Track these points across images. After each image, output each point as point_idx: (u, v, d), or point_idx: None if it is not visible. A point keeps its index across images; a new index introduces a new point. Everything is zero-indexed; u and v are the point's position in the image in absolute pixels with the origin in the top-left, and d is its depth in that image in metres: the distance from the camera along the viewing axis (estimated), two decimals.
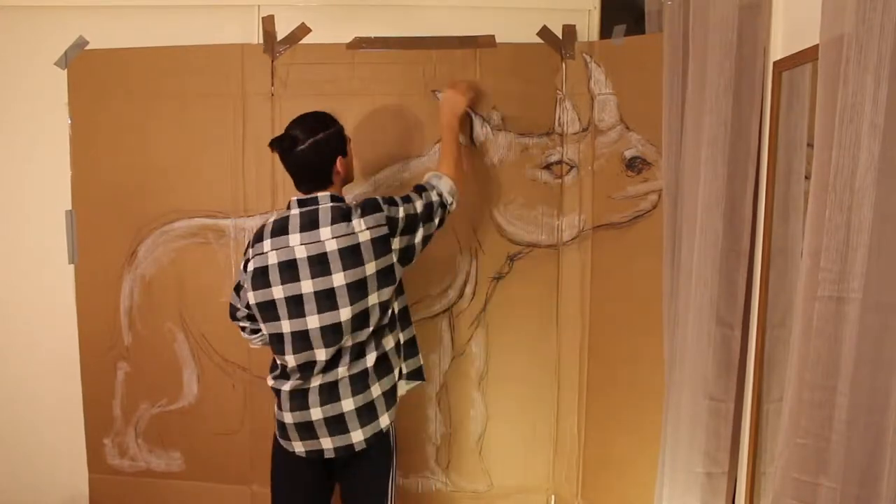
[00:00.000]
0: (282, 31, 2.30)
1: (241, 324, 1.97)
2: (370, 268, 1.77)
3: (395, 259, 1.83)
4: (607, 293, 2.30)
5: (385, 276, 1.81)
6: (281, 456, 1.95)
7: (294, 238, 1.78)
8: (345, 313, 1.76)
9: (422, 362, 2.02)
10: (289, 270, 1.77)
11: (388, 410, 1.88)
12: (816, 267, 1.22)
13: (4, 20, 2.34)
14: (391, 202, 1.85)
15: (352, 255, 1.75)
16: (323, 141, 1.84)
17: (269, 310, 1.81)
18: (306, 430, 1.84)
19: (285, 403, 1.86)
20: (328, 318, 1.76)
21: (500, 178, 2.30)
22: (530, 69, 2.27)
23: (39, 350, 2.47)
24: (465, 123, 2.27)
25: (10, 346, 2.48)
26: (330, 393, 1.82)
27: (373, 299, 1.79)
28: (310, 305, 1.76)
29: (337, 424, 1.82)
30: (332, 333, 1.78)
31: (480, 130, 2.28)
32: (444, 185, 1.96)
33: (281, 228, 1.80)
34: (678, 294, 1.94)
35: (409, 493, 2.42)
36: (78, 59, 2.33)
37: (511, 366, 2.38)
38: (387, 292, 1.82)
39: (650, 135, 2.16)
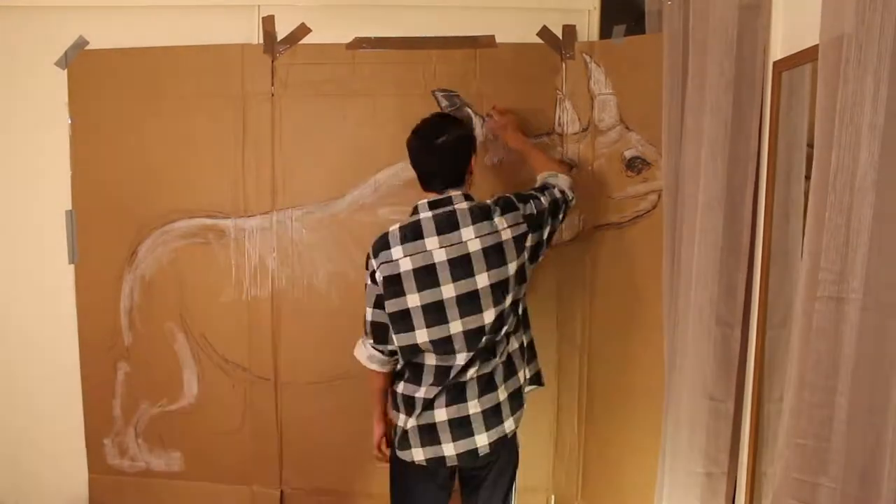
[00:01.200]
0: (282, 31, 2.30)
1: (386, 346, 1.81)
2: (512, 267, 1.74)
3: (526, 257, 1.80)
4: (607, 293, 2.30)
5: (521, 275, 1.79)
6: (400, 469, 1.89)
7: (431, 242, 1.72)
8: (488, 315, 1.72)
9: (540, 366, 1.98)
10: (426, 276, 1.71)
11: (513, 415, 1.83)
12: (816, 267, 1.22)
13: (4, 20, 2.34)
14: (523, 199, 1.82)
15: (496, 255, 1.72)
16: (465, 137, 1.85)
17: (403, 319, 1.74)
18: (430, 432, 1.77)
19: (417, 409, 1.78)
20: (472, 321, 1.72)
21: (501, 179, 2.30)
22: (530, 69, 2.27)
23: (39, 350, 2.47)
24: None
25: (10, 345, 2.48)
26: (457, 395, 1.76)
27: (510, 299, 1.76)
28: (452, 311, 1.71)
29: (461, 427, 1.76)
30: (474, 337, 1.73)
31: (480, 131, 2.27)
32: (563, 182, 1.96)
33: (414, 233, 1.74)
34: (678, 294, 1.94)
35: None
36: (78, 59, 2.33)
37: None
38: (521, 291, 1.81)
39: (650, 135, 2.16)
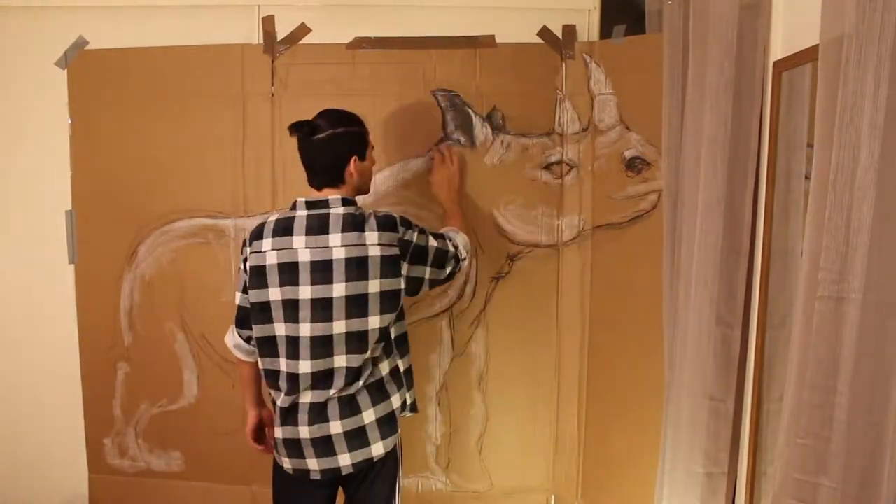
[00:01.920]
0: (282, 31, 2.30)
1: (247, 332, 1.85)
2: (374, 285, 1.70)
3: (402, 286, 1.76)
4: (607, 293, 2.30)
5: (389, 299, 1.74)
6: (278, 471, 1.89)
7: (299, 240, 1.71)
8: (338, 326, 1.69)
9: (415, 396, 1.95)
10: (289, 273, 1.70)
11: (383, 439, 1.80)
12: (816, 267, 1.22)
13: (4, 20, 2.34)
14: (407, 225, 1.79)
15: (358, 268, 1.69)
16: (341, 135, 1.79)
17: (263, 311, 1.75)
18: (295, 447, 1.78)
19: (277, 418, 1.81)
20: (320, 328, 1.70)
21: (500, 178, 2.30)
22: (530, 69, 2.27)
23: (39, 350, 2.47)
24: (466, 123, 2.27)
25: (10, 345, 2.48)
26: (319, 413, 1.75)
27: (374, 322, 1.72)
28: (304, 312, 1.70)
29: (324, 446, 1.76)
30: (320, 346, 1.71)
31: (480, 130, 2.28)
32: (460, 239, 1.93)
33: (284, 229, 1.73)
34: (678, 294, 1.94)
35: (409, 493, 2.42)
36: (78, 59, 2.33)
37: (511, 366, 2.38)
38: (388, 318, 1.76)
39: (650, 135, 2.16)
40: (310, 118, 1.83)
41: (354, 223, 1.72)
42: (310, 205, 1.75)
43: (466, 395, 2.40)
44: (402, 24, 2.29)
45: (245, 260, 1.79)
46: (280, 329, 1.74)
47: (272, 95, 2.30)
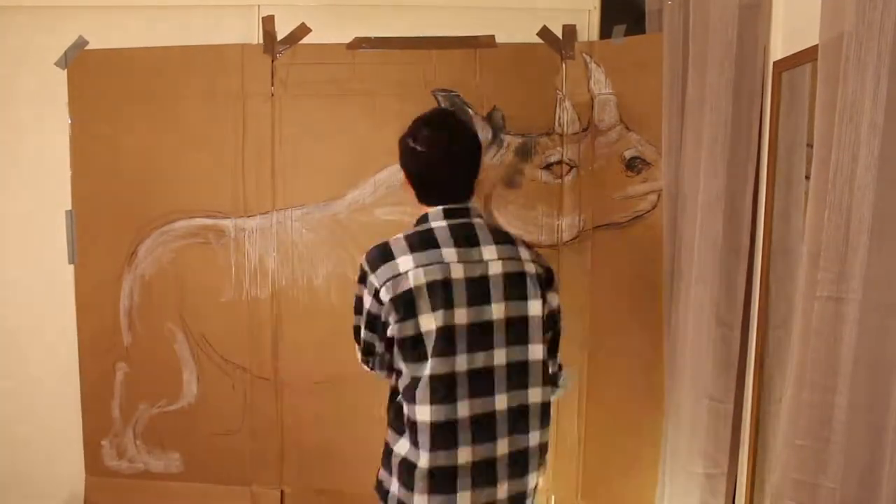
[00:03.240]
0: (282, 31, 2.30)
1: (381, 372, 1.55)
2: (534, 307, 1.43)
3: (546, 312, 1.48)
4: (607, 293, 2.30)
5: (548, 324, 1.48)
6: None
7: (448, 253, 1.40)
8: (499, 356, 1.40)
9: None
10: (443, 292, 1.39)
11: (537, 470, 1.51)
12: (816, 267, 1.22)
13: (4, 20, 2.34)
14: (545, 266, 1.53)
15: (517, 285, 1.43)
16: (477, 137, 1.54)
17: (415, 346, 1.39)
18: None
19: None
20: (479, 359, 1.40)
21: (500, 178, 2.30)
22: (530, 69, 2.27)
23: (38, 350, 2.47)
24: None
25: (10, 345, 2.48)
26: (488, 473, 1.43)
27: (535, 351, 1.43)
28: (461, 341, 1.39)
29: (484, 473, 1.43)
30: (482, 381, 1.40)
31: (480, 131, 2.27)
32: (565, 385, 1.63)
33: (424, 242, 1.43)
34: (678, 294, 1.94)
35: None
36: (78, 59, 2.33)
37: None
38: (544, 350, 1.46)
39: (650, 135, 2.16)
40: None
41: (504, 236, 1.49)
42: (449, 214, 1.46)
43: None
44: (402, 24, 2.29)
45: (377, 291, 1.43)
46: (442, 366, 1.40)
47: (272, 95, 2.30)
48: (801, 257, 1.30)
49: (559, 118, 2.28)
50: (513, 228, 2.32)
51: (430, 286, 1.38)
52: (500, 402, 1.42)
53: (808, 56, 1.47)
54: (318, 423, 2.40)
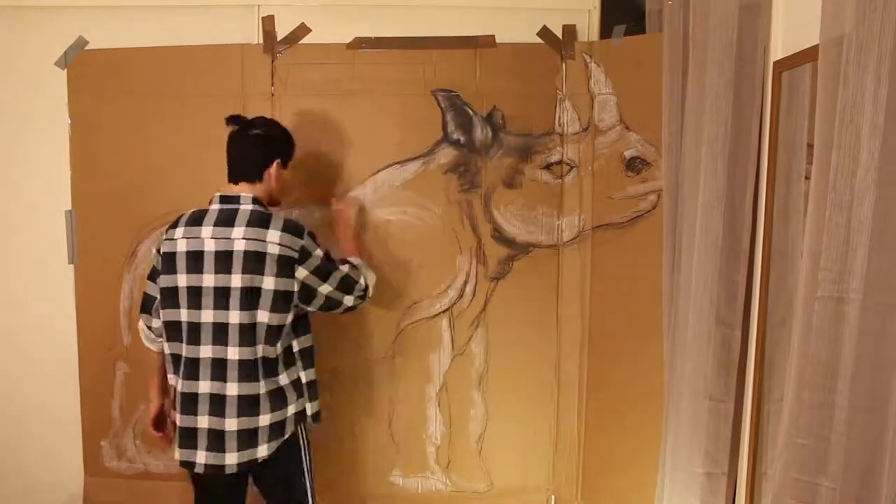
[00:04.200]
0: (282, 31, 2.30)
1: (152, 321, 1.92)
2: (268, 282, 1.75)
3: (295, 288, 1.80)
4: (607, 293, 2.30)
5: (282, 298, 1.78)
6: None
7: (206, 230, 1.79)
8: (233, 316, 1.75)
9: (319, 408, 1.97)
10: (195, 261, 1.78)
11: (269, 442, 1.82)
12: (816, 267, 1.22)
13: (4, 20, 2.34)
14: (313, 239, 1.86)
15: (255, 262, 1.75)
16: (271, 137, 1.91)
17: (171, 297, 1.81)
18: (188, 437, 1.81)
19: (177, 404, 1.84)
20: (220, 315, 1.76)
21: (500, 178, 2.30)
22: (530, 69, 2.27)
23: (38, 350, 2.46)
24: (466, 123, 2.27)
25: (9, 345, 2.47)
26: (218, 406, 1.78)
27: (262, 315, 1.77)
28: (207, 299, 1.77)
29: (215, 441, 1.79)
30: (220, 332, 1.77)
31: (480, 130, 2.28)
32: (371, 277, 1.98)
33: (196, 219, 1.82)
34: (678, 294, 1.94)
35: (410, 493, 2.42)
36: (78, 59, 2.32)
37: (511, 366, 2.38)
38: (277, 317, 1.79)
39: (650, 135, 2.16)
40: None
41: (261, 220, 1.79)
42: (223, 200, 1.84)
43: (466, 395, 2.39)
44: (402, 24, 2.29)
45: (158, 248, 1.87)
46: (184, 315, 1.80)
47: (272, 95, 2.30)
48: (802, 257, 1.30)
49: (559, 118, 2.28)
50: (513, 228, 2.32)
51: None
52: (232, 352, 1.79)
53: (808, 56, 1.47)
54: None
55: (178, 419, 1.83)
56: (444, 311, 2.36)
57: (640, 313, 2.20)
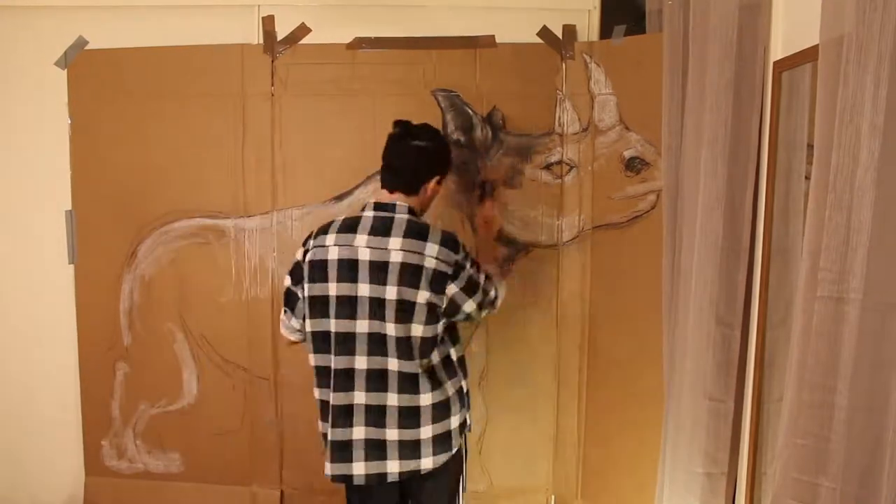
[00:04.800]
0: (282, 31, 2.30)
1: (295, 320, 1.82)
2: (422, 296, 1.68)
3: (443, 304, 1.72)
4: (607, 293, 2.30)
5: (432, 311, 1.70)
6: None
7: (361, 239, 1.70)
8: (390, 328, 1.69)
9: (467, 416, 1.89)
10: (348, 270, 1.70)
11: (434, 455, 1.75)
12: (816, 267, 1.22)
13: (4, 20, 2.34)
14: (466, 256, 1.77)
15: (410, 275, 1.67)
16: (435, 152, 1.82)
17: (320, 306, 1.73)
18: (342, 450, 1.74)
19: (328, 416, 1.76)
20: (376, 325, 1.70)
21: (501, 178, 2.30)
22: (530, 69, 2.27)
23: (38, 350, 2.47)
24: (466, 123, 2.27)
25: (9, 345, 2.48)
26: (377, 416, 1.72)
27: (415, 329, 1.69)
28: (362, 309, 1.70)
29: (375, 450, 1.73)
30: (377, 343, 1.70)
31: (480, 131, 2.28)
32: (502, 290, 1.90)
33: (349, 227, 1.73)
34: (678, 294, 1.94)
35: None
36: (78, 59, 2.33)
37: (511, 365, 2.38)
38: (430, 329, 1.71)
39: (649, 135, 2.16)
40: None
41: (418, 232, 1.71)
42: (378, 207, 1.75)
43: None
44: (402, 24, 2.29)
45: (305, 252, 1.77)
46: (333, 325, 1.72)
47: (272, 95, 2.30)
48: (801, 257, 1.30)
49: (559, 118, 2.29)
50: (513, 228, 2.32)
51: None
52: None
53: (808, 56, 1.47)
54: (317, 423, 2.40)
55: (330, 433, 1.75)
56: None
57: (639, 313, 2.20)
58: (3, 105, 2.38)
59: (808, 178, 1.53)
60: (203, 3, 2.32)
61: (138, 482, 2.47)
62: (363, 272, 1.69)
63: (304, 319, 1.77)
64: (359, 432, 1.73)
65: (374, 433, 1.72)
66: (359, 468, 1.73)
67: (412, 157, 1.78)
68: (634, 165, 2.20)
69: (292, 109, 2.30)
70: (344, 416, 1.73)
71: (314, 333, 1.74)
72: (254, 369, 2.39)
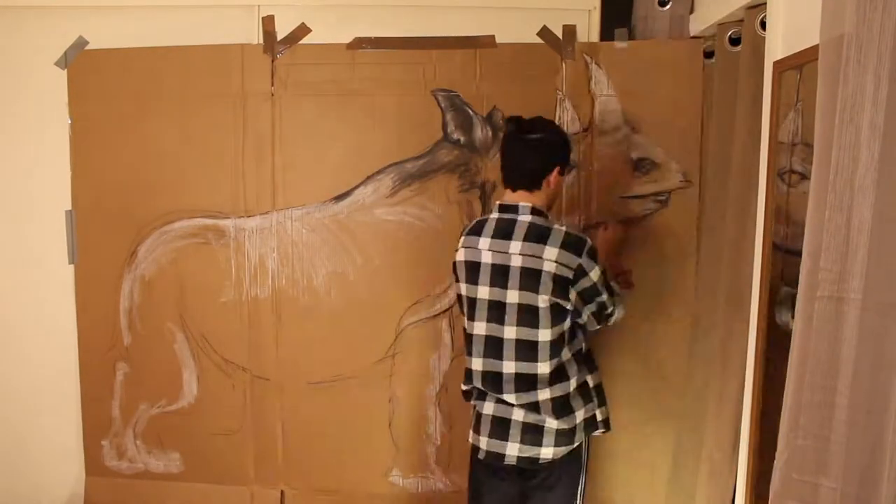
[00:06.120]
0: (282, 31, 2.30)
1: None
2: (543, 300, 1.70)
3: (570, 307, 1.74)
4: None
5: (558, 314, 1.73)
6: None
7: (484, 242, 1.76)
8: (508, 331, 1.73)
9: (609, 413, 1.91)
10: (473, 272, 1.77)
11: (555, 447, 1.77)
12: (816, 267, 1.22)
13: (4, 20, 2.34)
14: (593, 255, 1.73)
15: (530, 279, 1.70)
16: (551, 143, 1.80)
17: (458, 304, 1.84)
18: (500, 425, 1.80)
19: (483, 428, 1.82)
20: (493, 329, 1.74)
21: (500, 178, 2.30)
22: (530, 69, 2.27)
23: (38, 350, 2.47)
24: (466, 123, 2.27)
25: (10, 345, 2.48)
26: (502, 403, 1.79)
27: (542, 334, 1.72)
28: (481, 312, 1.75)
29: (500, 426, 1.79)
30: (493, 346, 1.75)
31: (481, 133, 2.27)
32: (619, 312, 1.86)
33: (477, 230, 1.80)
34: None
35: (410, 493, 2.42)
36: (78, 59, 2.32)
37: None
38: (555, 332, 1.73)
39: (657, 137, 2.16)
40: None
41: (538, 235, 1.71)
42: (502, 209, 1.79)
43: None
44: (402, 24, 2.29)
45: (457, 251, 1.85)
46: (469, 327, 1.81)
47: (272, 95, 2.30)
48: (802, 257, 1.30)
49: (559, 118, 2.28)
50: None
51: None
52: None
53: (808, 56, 1.47)
54: (318, 423, 2.40)
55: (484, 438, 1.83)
56: (444, 312, 2.35)
57: (641, 313, 2.20)
58: (3, 105, 2.38)
59: (807, 178, 1.53)
60: (203, 3, 2.32)
61: (138, 482, 2.47)
62: (484, 275, 1.74)
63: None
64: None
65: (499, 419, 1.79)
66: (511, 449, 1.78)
67: (529, 151, 1.78)
68: (644, 166, 2.21)
69: (292, 109, 2.30)
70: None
71: (464, 329, 1.86)
72: (254, 369, 2.39)
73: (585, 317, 1.77)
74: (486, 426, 1.81)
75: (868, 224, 1.12)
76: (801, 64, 1.55)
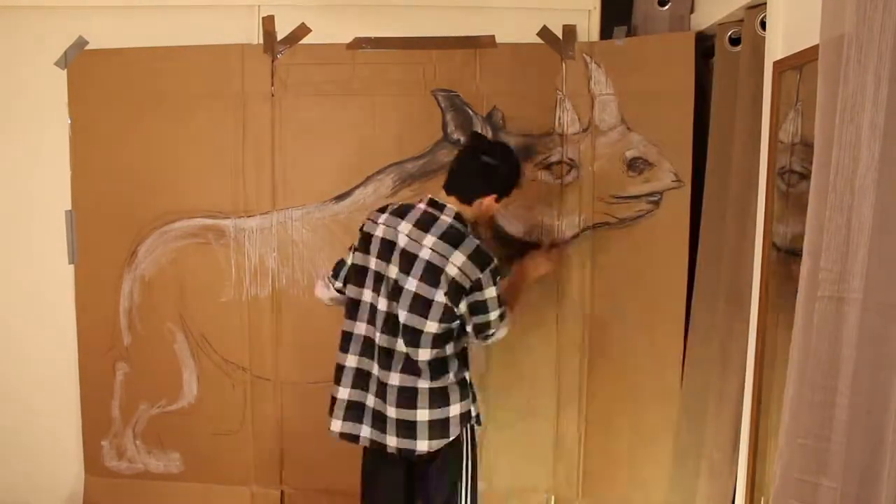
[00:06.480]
0: (282, 31, 2.30)
1: (337, 283, 1.96)
2: (440, 296, 1.77)
3: (463, 310, 1.81)
4: (607, 293, 2.30)
5: (449, 312, 1.79)
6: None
7: (405, 226, 1.82)
8: (402, 315, 1.79)
9: (479, 410, 1.96)
10: (387, 249, 1.82)
11: (430, 440, 1.83)
12: (816, 267, 1.22)
13: (4, 20, 2.34)
14: (494, 276, 1.81)
15: (431, 273, 1.77)
16: (497, 173, 1.86)
17: (359, 275, 1.86)
18: (355, 409, 1.88)
19: (346, 379, 1.89)
20: (393, 307, 1.81)
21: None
22: (530, 69, 2.27)
23: (38, 350, 2.47)
24: (466, 123, 2.27)
25: (9, 345, 2.48)
26: (383, 393, 1.84)
27: (430, 326, 1.79)
28: (386, 288, 1.81)
29: (379, 422, 1.85)
30: (390, 322, 1.81)
31: (481, 131, 2.27)
32: (501, 333, 1.92)
33: (401, 212, 1.85)
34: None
35: None
36: (78, 59, 2.33)
37: (511, 366, 2.38)
38: (443, 327, 1.81)
39: (652, 135, 2.16)
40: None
41: (453, 239, 1.79)
42: (431, 203, 1.85)
43: None
44: (402, 24, 2.29)
45: (363, 224, 1.91)
46: (366, 295, 1.86)
47: (272, 95, 2.30)
48: (802, 257, 1.30)
49: (559, 118, 2.28)
50: (513, 228, 2.32)
51: None
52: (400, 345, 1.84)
53: (808, 56, 1.47)
54: (318, 423, 2.39)
55: (343, 392, 1.89)
56: None
57: (640, 313, 2.20)
58: (3, 105, 2.38)
59: (807, 178, 1.53)
60: (203, 3, 2.32)
61: (138, 482, 2.47)
62: (395, 255, 1.81)
63: (343, 284, 1.93)
64: (369, 400, 1.86)
65: (380, 405, 1.84)
66: (366, 431, 1.87)
67: (474, 171, 1.85)
68: (637, 166, 2.20)
69: (292, 109, 2.30)
70: (359, 378, 1.88)
71: (350, 300, 1.89)
72: (254, 369, 2.39)
73: (469, 328, 1.86)
74: (367, 418, 1.87)
75: (868, 224, 1.12)
76: (801, 64, 1.55)
